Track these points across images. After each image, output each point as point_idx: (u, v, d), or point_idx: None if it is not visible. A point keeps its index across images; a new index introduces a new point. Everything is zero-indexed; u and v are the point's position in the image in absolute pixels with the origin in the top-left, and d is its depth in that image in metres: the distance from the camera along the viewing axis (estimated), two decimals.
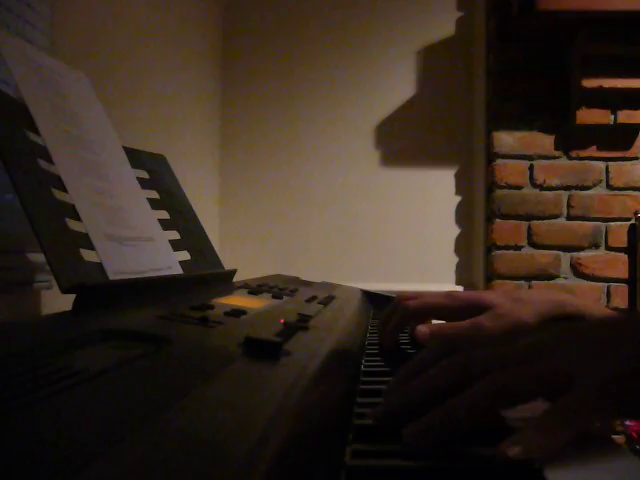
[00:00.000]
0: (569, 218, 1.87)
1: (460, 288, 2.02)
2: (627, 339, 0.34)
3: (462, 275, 2.08)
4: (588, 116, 1.81)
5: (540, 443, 0.28)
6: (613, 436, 1.50)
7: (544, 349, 0.35)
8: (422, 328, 0.59)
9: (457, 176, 2.10)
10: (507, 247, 1.87)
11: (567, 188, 1.87)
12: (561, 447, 0.29)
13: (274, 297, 0.70)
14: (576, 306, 0.59)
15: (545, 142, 1.87)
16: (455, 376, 0.34)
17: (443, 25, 2.11)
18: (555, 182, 1.87)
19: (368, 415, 0.34)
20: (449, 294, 0.62)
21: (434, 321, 0.63)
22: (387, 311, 0.63)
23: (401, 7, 2.12)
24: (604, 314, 0.60)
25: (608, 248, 1.85)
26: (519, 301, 0.59)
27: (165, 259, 0.75)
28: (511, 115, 1.88)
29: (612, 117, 1.81)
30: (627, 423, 1.56)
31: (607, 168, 1.86)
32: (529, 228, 1.87)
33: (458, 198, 2.10)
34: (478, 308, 0.59)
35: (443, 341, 0.39)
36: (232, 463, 0.19)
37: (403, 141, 2.11)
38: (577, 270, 1.85)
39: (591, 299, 1.78)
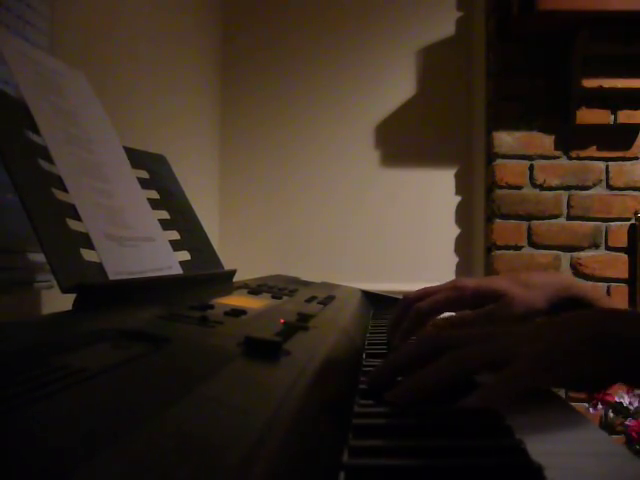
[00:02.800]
0: (569, 218, 1.87)
1: None
2: (576, 323, 0.42)
3: (462, 275, 2.08)
4: (588, 116, 1.81)
5: (489, 398, 0.38)
6: (612, 436, 1.50)
7: (501, 334, 0.43)
8: (439, 321, 0.62)
9: (457, 176, 2.10)
10: (507, 247, 1.87)
11: (567, 188, 1.87)
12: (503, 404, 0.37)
13: (274, 297, 0.70)
14: (581, 288, 0.61)
15: (545, 142, 1.87)
16: (425, 350, 0.43)
17: (443, 25, 2.11)
18: (555, 182, 1.87)
19: (367, 382, 0.42)
20: (456, 285, 0.62)
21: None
22: (396, 312, 0.62)
23: (401, 7, 2.12)
24: (602, 298, 0.62)
25: (608, 248, 1.85)
26: (529, 286, 0.60)
27: (165, 259, 0.75)
28: (511, 115, 1.88)
29: (612, 117, 1.81)
30: (627, 423, 1.56)
31: (607, 168, 1.86)
32: (529, 228, 1.87)
33: (458, 198, 2.10)
34: (488, 296, 0.59)
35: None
36: (231, 463, 0.19)
37: (403, 141, 2.11)
38: (577, 270, 1.85)
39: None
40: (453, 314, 0.64)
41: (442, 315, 0.63)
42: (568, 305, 0.60)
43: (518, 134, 1.88)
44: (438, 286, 0.63)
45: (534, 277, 0.62)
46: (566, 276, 0.66)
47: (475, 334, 0.44)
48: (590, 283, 1.84)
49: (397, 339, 0.60)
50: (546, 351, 0.39)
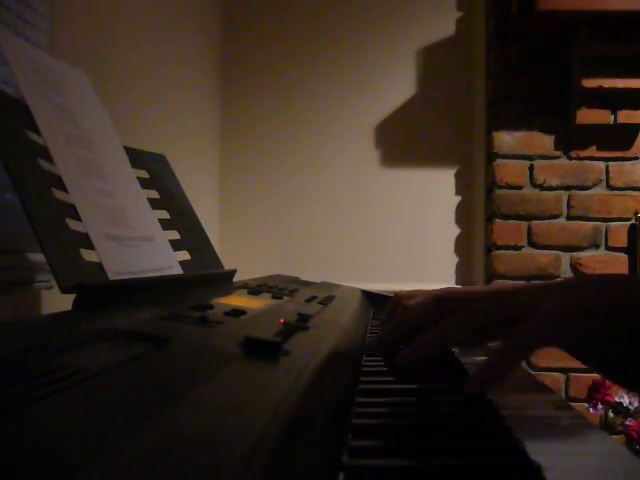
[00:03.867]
0: (569, 218, 1.87)
1: None
2: (590, 284, 0.40)
3: (462, 275, 2.08)
4: (588, 116, 1.81)
5: (493, 374, 0.35)
6: (612, 436, 1.50)
7: (518, 290, 0.41)
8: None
9: (457, 176, 2.10)
10: (507, 247, 1.87)
11: (567, 188, 1.87)
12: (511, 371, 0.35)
13: (274, 297, 0.70)
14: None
15: (545, 142, 1.87)
16: (434, 308, 0.41)
17: (443, 25, 2.11)
18: (555, 182, 1.87)
19: (368, 346, 0.41)
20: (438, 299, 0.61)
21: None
22: (387, 310, 0.62)
23: (401, 7, 2.12)
24: None
25: (608, 248, 1.85)
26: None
27: (165, 259, 0.75)
28: (511, 115, 1.88)
29: (612, 117, 1.81)
30: (627, 423, 1.56)
31: (607, 168, 1.86)
32: (529, 228, 1.87)
33: (458, 198, 2.10)
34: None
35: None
36: (230, 463, 0.19)
37: (403, 141, 2.11)
38: (577, 270, 1.85)
39: None
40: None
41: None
42: None
43: (518, 134, 1.88)
44: (427, 290, 0.62)
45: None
46: None
47: (487, 291, 0.42)
48: None
49: (379, 348, 0.60)
50: (569, 307, 0.37)
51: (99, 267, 0.59)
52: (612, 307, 0.36)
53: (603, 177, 1.86)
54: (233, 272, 0.93)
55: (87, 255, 0.58)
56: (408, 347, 0.39)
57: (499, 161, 1.88)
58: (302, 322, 0.51)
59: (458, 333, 0.38)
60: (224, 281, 0.88)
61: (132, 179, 0.78)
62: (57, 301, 0.62)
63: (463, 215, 2.10)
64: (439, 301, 0.42)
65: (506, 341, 0.36)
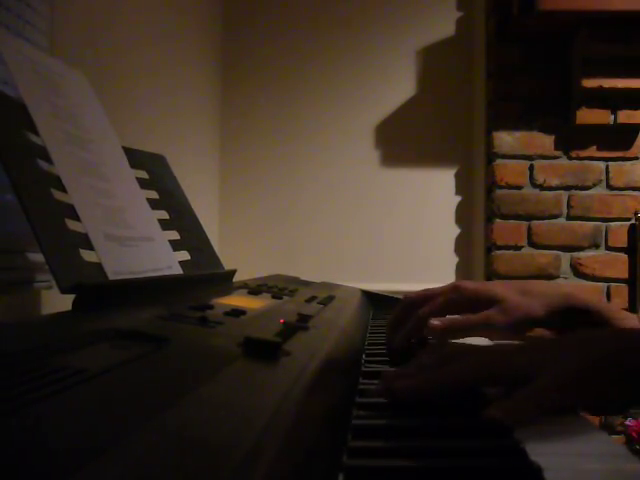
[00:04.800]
0: (569, 218, 1.87)
1: None
2: (598, 343, 0.41)
3: (462, 275, 2.08)
4: (588, 116, 1.81)
5: (512, 411, 0.36)
6: (613, 436, 1.50)
7: (525, 349, 0.42)
8: (435, 322, 0.59)
9: (457, 176, 2.10)
10: (507, 247, 1.87)
11: (567, 188, 1.87)
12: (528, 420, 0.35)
13: (274, 297, 0.70)
14: (581, 299, 0.60)
15: (545, 142, 1.87)
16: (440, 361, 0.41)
17: (443, 25, 2.11)
18: (555, 182, 1.87)
19: (394, 390, 0.39)
20: (457, 288, 0.62)
21: None
22: (396, 313, 0.62)
23: (401, 7, 2.11)
24: (607, 307, 0.61)
25: (608, 248, 1.85)
26: (527, 294, 0.59)
27: (165, 259, 0.75)
28: (511, 115, 1.88)
29: (612, 117, 1.81)
30: (627, 423, 1.56)
31: (607, 168, 1.86)
32: (529, 228, 1.87)
33: (458, 198, 2.10)
34: (487, 300, 0.59)
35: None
36: (230, 463, 0.19)
37: (403, 141, 2.11)
38: (577, 270, 1.85)
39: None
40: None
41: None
42: (568, 315, 0.60)
43: (518, 134, 1.88)
44: (438, 288, 0.62)
45: (534, 285, 0.62)
46: (567, 286, 0.66)
47: (496, 347, 0.44)
48: (589, 284, 1.83)
49: (397, 342, 0.60)
50: (575, 370, 0.38)
51: (99, 267, 0.59)
52: (629, 371, 0.38)
53: (603, 177, 1.86)
54: (233, 272, 0.93)
55: (87, 255, 0.58)
56: (408, 383, 0.39)
57: (499, 161, 1.88)
58: (302, 322, 0.51)
59: (460, 380, 0.39)
60: (224, 281, 0.88)
61: (131, 179, 0.78)
62: (57, 301, 0.62)
63: (463, 215, 2.10)
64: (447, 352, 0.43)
65: (517, 399, 0.37)
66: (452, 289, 0.62)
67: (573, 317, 0.59)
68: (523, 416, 0.36)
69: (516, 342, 0.58)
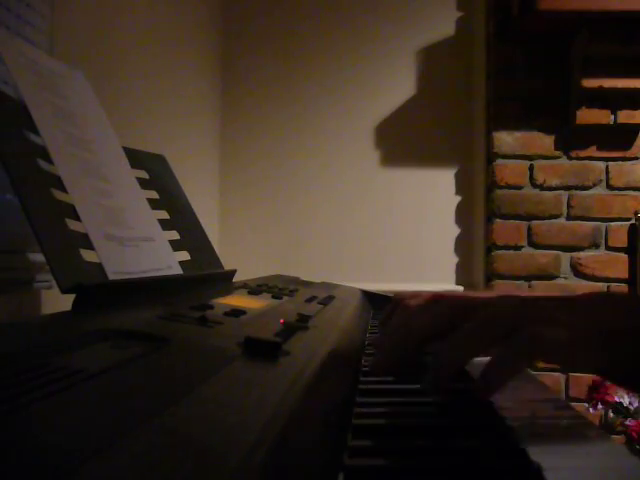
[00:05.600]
0: (569, 218, 1.87)
1: (460, 288, 2.02)
2: (606, 303, 0.37)
3: (462, 275, 2.08)
4: (588, 116, 1.81)
5: (495, 380, 0.33)
6: (613, 436, 1.50)
7: (526, 300, 0.38)
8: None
9: (457, 176, 2.10)
10: (507, 247, 1.87)
11: (567, 188, 1.87)
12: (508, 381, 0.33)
13: (274, 297, 0.70)
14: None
15: (545, 142, 1.87)
16: (443, 322, 0.38)
17: (443, 25, 2.11)
18: (555, 182, 1.87)
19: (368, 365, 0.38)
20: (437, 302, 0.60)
21: None
22: (386, 312, 0.62)
23: (401, 7, 2.12)
24: None
25: (608, 248, 1.85)
26: None
27: (165, 259, 0.75)
28: (511, 115, 1.88)
29: (612, 117, 1.81)
30: (627, 423, 1.56)
31: (607, 168, 1.86)
32: (529, 228, 1.87)
33: (458, 198, 2.10)
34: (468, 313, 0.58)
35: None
36: (230, 463, 0.19)
37: (403, 141, 2.11)
38: (577, 270, 1.85)
39: None
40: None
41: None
42: None
43: (518, 134, 1.88)
44: (429, 292, 0.62)
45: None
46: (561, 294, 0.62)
47: (498, 297, 0.39)
48: (590, 285, 1.84)
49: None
50: (598, 329, 0.34)
51: (99, 267, 0.59)
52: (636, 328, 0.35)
53: (603, 177, 1.86)
54: (233, 272, 0.93)
55: (87, 255, 0.58)
56: (430, 370, 0.36)
57: (499, 161, 1.88)
58: (302, 322, 0.51)
59: (480, 345, 0.35)
60: (224, 281, 0.88)
61: (131, 179, 0.78)
62: (57, 301, 0.62)
63: (463, 215, 2.10)
64: (451, 308, 0.39)
65: (522, 345, 0.33)
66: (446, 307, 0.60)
67: None
68: (508, 372, 0.33)
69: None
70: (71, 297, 0.49)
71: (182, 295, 0.62)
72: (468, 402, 0.39)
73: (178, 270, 0.77)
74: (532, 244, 1.87)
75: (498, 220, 1.87)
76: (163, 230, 0.79)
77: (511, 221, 1.87)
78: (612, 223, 1.85)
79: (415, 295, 0.61)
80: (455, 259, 2.09)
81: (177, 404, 0.24)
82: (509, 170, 1.88)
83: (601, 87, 1.75)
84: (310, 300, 0.73)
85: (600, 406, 1.60)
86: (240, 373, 0.32)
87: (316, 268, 2.02)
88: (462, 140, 2.10)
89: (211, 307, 0.51)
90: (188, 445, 0.20)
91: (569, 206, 1.87)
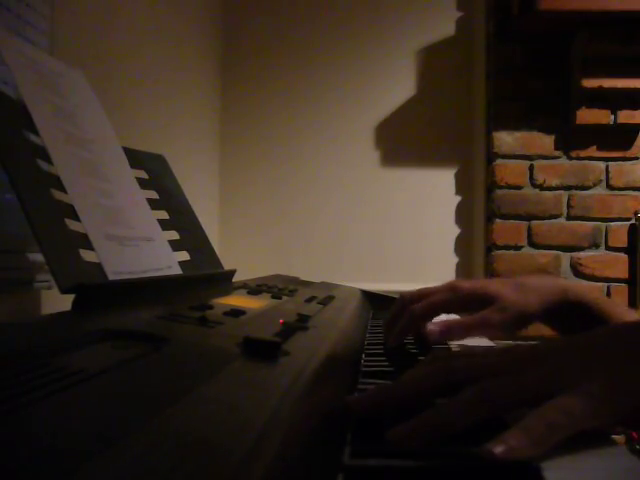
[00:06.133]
0: (569, 218, 1.87)
1: None
2: (618, 349, 0.35)
3: (462, 275, 2.08)
4: (588, 116, 1.81)
5: (524, 444, 0.29)
6: (613, 436, 1.50)
7: (533, 360, 0.35)
8: (432, 327, 0.58)
9: (457, 176, 2.10)
10: (507, 247, 1.87)
11: (567, 188, 1.87)
12: (547, 450, 0.29)
13: (273, 297, 0.70)
14: (578, 293, 0.59)
15: (545, 142, 1.87)
16: (439, 381, 0.35)
17: (443, 25, 2.11)
18: (555, 182, 1.87)
19: (349, 403, 0.35)
20: (453, 286, 0.61)
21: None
22: (392, 312, 0.62)
23: (401, 7, 2.11)
24: (605, 301, 0.60)
25: (608, 248, 1.85)
26: (523, 290, 0.59)
27: (165, 259, 0.75)
28: (511, 115, 1.88)
29: (612, 117, 1.81)
30: None
31: (607, 168, 1.86)
32: (529, 228, 1.87)
33: (458, 198, 2.10)
34: (482, 299, 0.59)
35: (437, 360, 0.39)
36: (230, 463, 0.19)
37: (403, 141, 2.11)
38: (577, 270, 1.85)
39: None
40: (449, 316, 0.64)
41: (438, 317, 0.62)
42: (565, 310, 0.59)
43: (518, 134, 1.88)
44: (434, 287, 0.62)
45: (530, 280, 0.61)
46: (562, 279, 0.63)
47: (499, 362, 0.36)
48: (587, 284, 1.84)
49: (392, 339, 0.60)
50: (605, 384, 0.32)
51: (98, 267, 0.59)
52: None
53: (603, 177, 1.86)
54: (233, 272, 0.93)
55: (87, 255, 0.58)
56: (404, 428, 0.31)
57: (499, 161, 1.88)
58: (302, 322, 0.51)
59: (463, 420, 0.32)
60: (224, 281, 0.88)
61: (131, 179, 0.78)
62: (57, 301, 0.62)
63: (463, 215, 2.10)
64: (448, 373, 0.36)
65: (534, 422, 0.30)
66: (448, 288, 0.61)
67: (571, 312, 0.59)
68: (545, 444, 0.29)
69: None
70: (71, 297, 0.49)
71: (182, 295, 0.62)
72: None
73: (178, 270, 0.77)
74: (532, 244, 1.87)
75: (498, 220, 1.87)
76: (163, 230, 0.79)
77: (511, 221, 1.87)
78: (612, 223, 1.85)
79: (419, 294, 0.61)
80: (455, 259, 2.09)
81: (177, 404, 0.24)
82: (509, 170, 1.88)
83: (601, 87, 1.75)
84: (310, 300, 0.73)
85: None
86: (240, 373, 0.32)
87: (316, 268, 2.02)
88: (462, 140, 2.10)
89: (211, 307, 0.51)
90: (188, 445, 0.20)
91: (569, 206, 1.87)
